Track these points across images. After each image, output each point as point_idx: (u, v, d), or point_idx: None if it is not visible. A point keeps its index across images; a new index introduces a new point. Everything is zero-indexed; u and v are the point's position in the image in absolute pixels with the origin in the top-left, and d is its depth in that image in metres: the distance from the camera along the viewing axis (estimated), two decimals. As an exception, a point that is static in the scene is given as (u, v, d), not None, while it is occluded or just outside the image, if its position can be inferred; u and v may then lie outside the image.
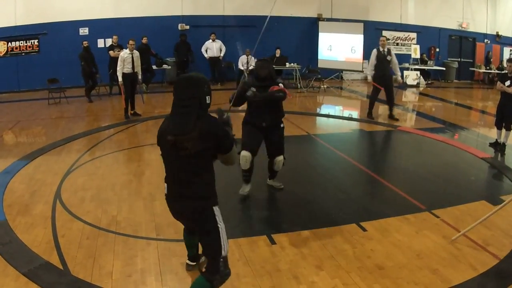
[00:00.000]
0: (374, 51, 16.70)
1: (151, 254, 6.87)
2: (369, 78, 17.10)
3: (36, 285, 5.96)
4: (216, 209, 5.21)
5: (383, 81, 16.57)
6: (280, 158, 9.20)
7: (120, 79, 16.27)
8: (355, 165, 11.52)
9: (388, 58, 16.43)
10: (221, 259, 5.17)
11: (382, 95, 16.66)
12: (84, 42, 20.43)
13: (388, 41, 28.22)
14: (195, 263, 6.54)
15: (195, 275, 5.89)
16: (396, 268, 6.56)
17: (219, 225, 5.20)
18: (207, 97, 5.10)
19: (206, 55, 24.46)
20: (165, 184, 5.27)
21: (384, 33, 27.91)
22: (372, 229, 7.80)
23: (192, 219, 5.27)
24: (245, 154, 8.68)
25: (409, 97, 24.63)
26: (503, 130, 12.61)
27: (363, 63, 25.41)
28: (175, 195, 5.21)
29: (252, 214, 8.66)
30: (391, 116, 16.72)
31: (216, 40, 24.55)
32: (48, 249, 6.93)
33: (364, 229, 7.81)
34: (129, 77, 16.35)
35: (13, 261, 6.51)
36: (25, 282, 6.01)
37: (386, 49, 16.54)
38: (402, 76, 24.44)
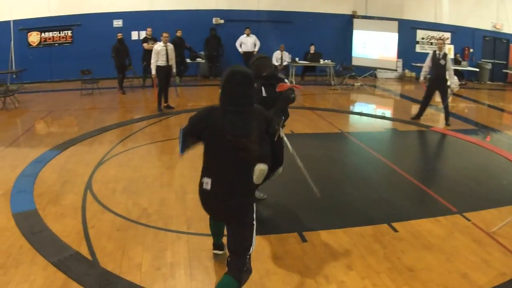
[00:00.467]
0: (431, 53, 16.41)
1: (181, 248, 6.82)
2: (421, 78, 16.90)
3: (64, 275, 5.94)
4: (254, 205, 5.24)
5: (433, 85, 16.27)
6: (280, 169, 8.45)
7: (153, 71, 16.27)
8: (388, 164, 11.37)
9: (442, 62, 15.98)
10: (248, 256, 5.17)
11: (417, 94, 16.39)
12: (119, 34, 20.55)
13: (423, 40, 28.10)
14: (222, 251, 6.56)
15: (225, 269, 5.83)
16: (426, 270, 6.47)
17: (254, 223, 5.23)
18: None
19: (240, 50, 24.33)
20: (206, 179, 5.07)
21: (419, 32, 27.80)
22: (403, 230, 7.70)
23: (236, 216, 5.14)
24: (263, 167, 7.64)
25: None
26: None
27: (397, 61, 25.28)
28: (222, 192, 5.00)
29: (283, 211, 8.55)
30: (445, 123, 16.38)
31: (251, 35, 24.42)
32: (78, 239, 6.91)
33: (395, 230, 7.70)
34: (163, 70, 16.33)
35: (43, 250, 6.51)
36: (54, 271, 5.99)
37: (442, 53, 16.13)
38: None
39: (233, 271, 5.07)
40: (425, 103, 16.56)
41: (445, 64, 15.77)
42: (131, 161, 10.87)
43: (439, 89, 16.14)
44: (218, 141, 4.89)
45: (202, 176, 5.16)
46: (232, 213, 5.09)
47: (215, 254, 6.60)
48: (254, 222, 5.24)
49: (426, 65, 16.41)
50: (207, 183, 5.03)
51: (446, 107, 16.24)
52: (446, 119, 16.21)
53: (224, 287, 5.07)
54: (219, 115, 4.87)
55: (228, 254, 5.25)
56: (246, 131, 4.79)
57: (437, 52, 15.98)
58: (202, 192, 5.14)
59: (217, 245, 6.58)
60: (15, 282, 5.77)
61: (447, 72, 15.83)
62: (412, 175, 10.52)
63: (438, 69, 15.90)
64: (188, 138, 5.24)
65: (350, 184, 10.15)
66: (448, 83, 16.20)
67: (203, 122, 4.99)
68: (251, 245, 5.18)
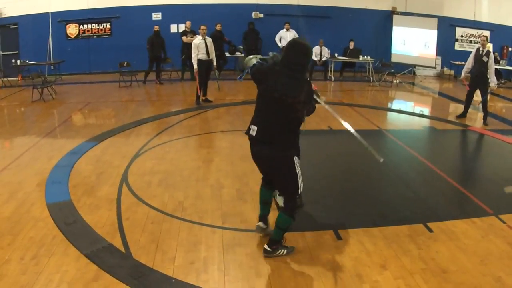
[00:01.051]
0: (474, 49, 16.19)
1: (216, 243, 6.77)
2: (462, 75, 16.64)
3: (96, 266, 5.96)
4: (296, 159, 6.08)
5: (474, 82, 16.04)
6: None
7: (195, 66, 16.23)
8: (425, 163, 11.21)
9: (484, 59, 15.74)
10: (298, 196, 6.27)
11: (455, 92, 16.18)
12: (155, 27, 20.71)
13: (462, 38, 27.82)
14: (266, 226, 6.89)
15: (259, 267, 5.80)
16: (459, 272, 6.33)
17: (298, 170, 6.09)
18: (309, 65, 6.15)
19: (279, 44, 24.04)
20: (253, 127, 6.02)
21: (458, 29, 27.53)
22: (438, 231, 7.56)
23: (276, 164, 6.11)
24: None
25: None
26: None
27: (435, 59, 25.03)
28: (265, 141, 5.98)
29: (319, 208, 8.40)
30: (483, 123, 16.17)
31: (290, 30, 24.23)
32: (112, 231, 6.92)
33: (430, 230, 7.56)
34: (204, 64, 16.34)
35: (76, 241, 6.53)
36: (86, 263, 6.00)
37: (486, 50, 15.88)
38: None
39: (286, 209, 6.31)
40: (468, 101, 16.33)
41: (488, 61, 15.51)
42: (167, 154, 10.84)
43: (480, 87, 15.88)
44: (268, 98, 5.87)
45: (251, 123, 6.10)
46: (272, 160, 6.07)
47: (258, 227, 6.87)
48: (298, 170, 6.09)
49: (469, 62, 16.13)
50: (254, 130, 6.01)
51: (484, 106, 16.00)
52: (484, 118, 15.95)
53: (281, 222, 6.29)
54: (274, 77, 5.87)
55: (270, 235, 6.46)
56: (294, 93, 5.66)
57: (481, 48, 15.71)
58: (250, 137, 6.13)
59: (262, 216, 6.93)
60: (47, 272, 5.76)
61: (488, 70, 15.56)
62: (449, 175, 10.35)
63: (481, 66, 15.63)
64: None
65: (387, 181, 10.06)
66: (489, 81, 15.94)
67: (262, 75, 6.03)
68: (298, 189, 6.16)
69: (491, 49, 22.03)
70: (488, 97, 16.45)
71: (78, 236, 6.67)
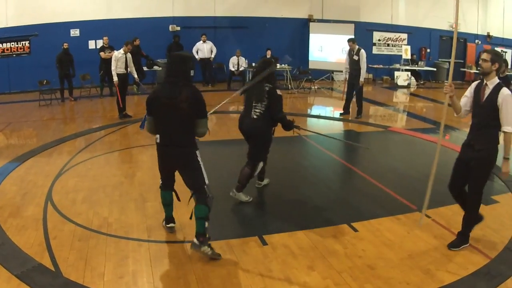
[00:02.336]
0: (347, 50, 17.67)
1: (143, 256, 6.87)
2: (344, 75, 18.22)
3: (28, 286, 5.95)
4: (197, 152, 6.82)
5: (350, 79, 17.52)
6: (261, 164, 9.28)
7: (115, 78, 16.21)
8: (346, 165, 11.57)
9: (355, 57, 16.98)
10: (206, 187, 6.80)
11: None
12: (65, 44, 20.59)
13: (379, 42, 28.41)
14: (173, 224, 7.76)
15: (188, 277, 5.95)
16: (387, 268, 6.59)
17: (201, 163, 6.82)
18: (191, 71, 6.95)
19: (197, 56, 24.38)
20: (157, 135, 6.78)
21: (375, 34, 28.14)
22: (363, 230, 7.83)
23: (182, 161, 6.81)
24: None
25: (400, 97, 24.71)
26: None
27: (353, 64, 25.57)
28: (167, 143, 6.72)
29: (243, 215, 8.64)
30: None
31: (207, 42, 24.51)
32: (40, 251, 6.92)
33: (355, 230, 7.83)
34: (121, 78, 16.33)
35: (6, 263, 6.51)
36: (18, 284, 6.00)
37: (355, 50, 17.06)
38: (393, 77, 24.69)
39: (200, 201, 6.76)
40: (348, 99, 17.80)
41: (359, 59, 16.80)
42: (90, 171, 10.87)
43: (354, 82, 17.17)
44: (159, 107, 6.61)
45: (156, 134, 6.84)
46: (178, 158, 6.80)
47: (169, 228, 7.67)
48: (201, 163, 6.83)
49: (346, 62, 17.60)
50: (157, 137, 6.78)
51: (358, 100, 17.53)
52: (358, 112, 17.55)
53: (199, 212, 6.71)
54: (159, 88, 6.92)
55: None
56: (175, 94, 6.45)
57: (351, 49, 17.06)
58: (156, 145, 6.88)
59: (169, 218, 7.73)
60: (-22, 295, 5.76)
61: (361, 67, 16.90)
62: (371, 175, 10.69)
63: (353, 64, 17.07)
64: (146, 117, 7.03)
65: (309, 186, 10.27)
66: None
67: (150, 99, 6.79)
68: (204, 181, 6.81)
69: (404, 52, 22.54)
70: (362, 92, 17.25)
71: (7, 257, 6.66)
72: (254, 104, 8.65)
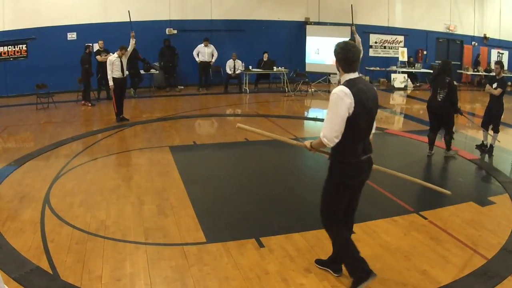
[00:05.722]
0: None
1: (140, 258, 6.88)
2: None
3: (26, 289, 5.95)
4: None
5: None
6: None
7: (111, 83, 16.23)
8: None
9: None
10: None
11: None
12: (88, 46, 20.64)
13: (376, 44, 28.45)
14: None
15: (185, 279, 5.96)
16: (384, 269, 6.60)
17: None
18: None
19: (197, 59, 24.36)
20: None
21: (372, 36, 28.13)
22: (360, 231, 7.81)
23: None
24: None
25: (397, 100, 24.74)
26: (491, 132, 12.78)
27: (350, 66, 25.56)
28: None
29: (240, 218, 8.60)
30: None
31: (209, 45, 24.49)
32: (38, 254, 6.93)
33: (352, 232, 7.80)
34: (119, 82, 16.35)
35: (4, 266, 6.51)
36: (15, 287, 6.01)
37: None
38: (389, 79, 24.73)
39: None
40: None
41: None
42: (87, 174, 10.88)
43: None
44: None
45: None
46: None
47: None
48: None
49: None
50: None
51: None
52: None
53: None
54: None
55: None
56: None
57: None
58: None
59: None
60: (-24, 299, 5.79)
61: None
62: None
63: None
64: None
65: (306, 188, 10.29)
66: None
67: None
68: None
69: (401, 55, 22.60)
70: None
71: (5, 261, 6.66)
72: (438, 91, 11.96)
